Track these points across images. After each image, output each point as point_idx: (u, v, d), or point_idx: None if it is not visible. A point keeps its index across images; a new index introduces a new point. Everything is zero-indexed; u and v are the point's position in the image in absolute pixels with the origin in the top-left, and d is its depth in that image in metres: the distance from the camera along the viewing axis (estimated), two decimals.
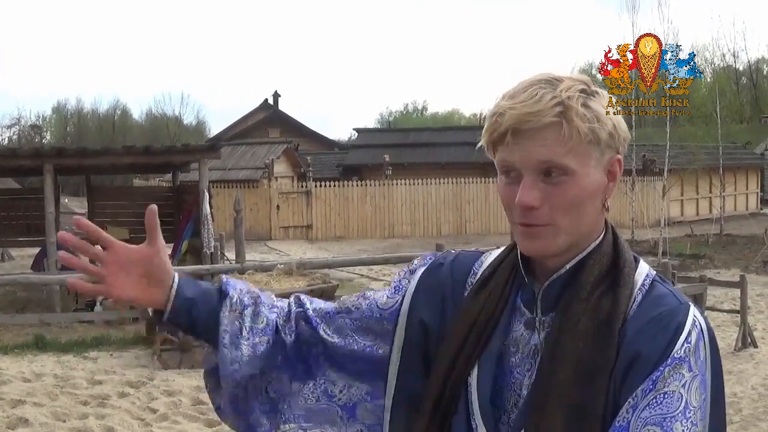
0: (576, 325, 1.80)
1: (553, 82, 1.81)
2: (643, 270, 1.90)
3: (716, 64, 63.32)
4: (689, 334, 1.74)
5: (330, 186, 38.97)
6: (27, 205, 22.98)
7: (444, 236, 34.93)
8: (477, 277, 2.07)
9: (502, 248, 2.08)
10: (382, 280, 23.74)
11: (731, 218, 40.07)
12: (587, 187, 1.82)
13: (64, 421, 9.81)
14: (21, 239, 23.67)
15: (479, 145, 1.89)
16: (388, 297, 2.16)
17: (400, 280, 2.18)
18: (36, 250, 22.06)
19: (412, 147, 45.62)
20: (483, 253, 2.16)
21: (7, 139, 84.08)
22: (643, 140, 38.02)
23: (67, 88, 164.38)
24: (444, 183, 39.03)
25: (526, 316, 1.94)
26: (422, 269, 2.16)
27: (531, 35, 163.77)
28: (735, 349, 14.11)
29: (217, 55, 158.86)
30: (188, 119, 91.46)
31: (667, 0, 46.73)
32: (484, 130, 1.86)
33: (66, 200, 37.83)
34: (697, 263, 27.03)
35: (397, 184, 39.15)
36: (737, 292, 15.63)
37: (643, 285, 1.86)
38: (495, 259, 2.07)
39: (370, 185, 39.42)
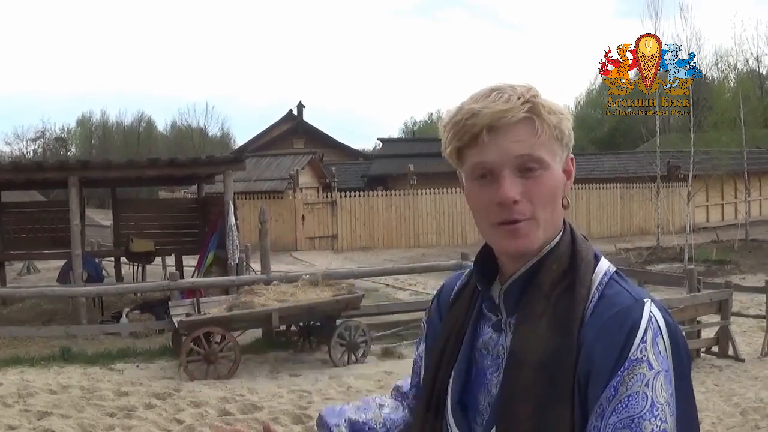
0: (537, 325, 1.87)
1: (510, 87, 1.90)
2: (602, 268, 1.95)
3: (740, 69, 62.64)
4: (645, 331, 1.76)
5: (355, 196, 38.98)
6: (52, 217, 23.12)
7: (469, 245, 34.75)
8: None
9: None
10: (407, 289, 23.76)
11: (757, 223, 39.82)
12: (558, 181, 1.92)
13: None
14: (46, 252, 23.78)
15: (445, 152, 1.97)
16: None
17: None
18: (61, 263, 22.18)
19: (437, 157, 44.98)
20: (465, 271, 2.27)
21: (31, 151, 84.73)
22: (668, 146, 37.87)
23: (92, 100, 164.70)
24: None
25: (492, 320, 2.04)
26: (429, 311, 2.35)
27: (554, 46, 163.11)
28: (761, 355, 14.04)
29: (241, 66, 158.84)
30: (213, 131, 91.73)
31: (689, 5, 46.50)
32: (451, 136, 1.92)
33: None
34: (723, 269, 26.99)
35: (422, 193, 39.15)
36: (763, 297, 15.57)
37: (600, 284, 1.91)
38: (467, 272, 2.21)
39: (395, 195, 39.41)
